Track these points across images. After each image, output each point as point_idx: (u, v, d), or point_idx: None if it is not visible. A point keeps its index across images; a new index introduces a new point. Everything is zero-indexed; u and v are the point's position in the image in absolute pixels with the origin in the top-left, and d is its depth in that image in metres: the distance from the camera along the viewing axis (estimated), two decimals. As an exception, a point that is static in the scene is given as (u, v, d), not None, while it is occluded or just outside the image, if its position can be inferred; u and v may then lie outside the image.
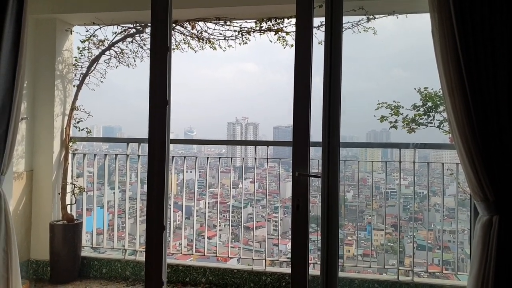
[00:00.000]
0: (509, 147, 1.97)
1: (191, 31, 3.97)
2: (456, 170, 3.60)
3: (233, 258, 4.08)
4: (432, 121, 3.98)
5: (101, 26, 4.02)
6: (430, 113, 3.98)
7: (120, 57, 4.19)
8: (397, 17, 3.48)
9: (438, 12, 2.07)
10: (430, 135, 3.99)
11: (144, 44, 4.16)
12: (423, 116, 4.00)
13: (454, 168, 3.65)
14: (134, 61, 4.26)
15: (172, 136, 2.37)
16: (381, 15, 3.56)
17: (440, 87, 2.16)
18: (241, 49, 3.98)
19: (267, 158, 3.96)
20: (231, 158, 4.21)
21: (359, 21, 3.63)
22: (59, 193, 3.96)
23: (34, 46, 3.88)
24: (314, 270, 3.55)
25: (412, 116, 4.01)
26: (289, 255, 4.23)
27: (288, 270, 3.78)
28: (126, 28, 4.06)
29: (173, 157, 4.10)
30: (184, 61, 4.29)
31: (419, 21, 3.78)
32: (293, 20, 3.53)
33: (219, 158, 4.26)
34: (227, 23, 3.85)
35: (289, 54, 3.72)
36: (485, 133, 1.98)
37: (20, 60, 2.48)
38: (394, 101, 4.06)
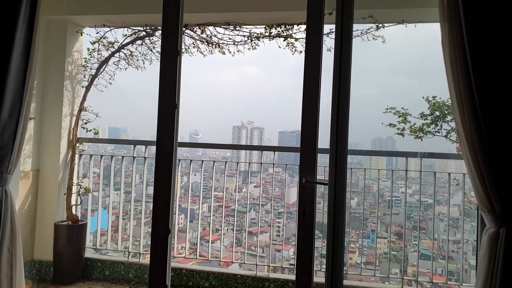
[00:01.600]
0: (518, 158, 1.95)
1: (200, 35, 3.98)
2: (462, 180, 3.59)
3: (235, 263, 4.07)
4: (440, 131, 3.96)
5: (111, 28, 4.04)
6: (438, 122, 3.97)
7: (129, 59, 4.22)
8: (406, 26, 3.48)
9: (448, 22, 2.06)
10: (437, 144, 3.97)
11: (154, 47, 4.18)
12: (430, 125, 3.99)
13: (460, 178, 3.64)
14: (143, 63, 4.29)
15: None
16: (390, 24, 3.57)
17: (448, 97, 2.15)
18: (247, 54, 3.99)
19: (273, 164, 3.96)
20: (237, 162, 4.20)
21: (368, 29, 3.63)
22: (64, 194, 3.98)
23: (45, 47, 3.91)
24: (317, 277, 3.54)
25: (419, 125, 4.00)
26: (292, 261, 4.22)
27: (291, 276, 3.76)
28: (137, 30, 4.08)
29: (179, 160, 4.10)
30: (190, 64, 4.31)
31: (428, 30, 3.78)
32: (303, 27, 3.54)
33: (225, 162, 4.26)
34: (237, 28, 3.87)
35: (295, 59, 3.72)
36: (494, 144, 1.96)
37: (31, 60, 2.49)
38: (402, 108, 4.06)
